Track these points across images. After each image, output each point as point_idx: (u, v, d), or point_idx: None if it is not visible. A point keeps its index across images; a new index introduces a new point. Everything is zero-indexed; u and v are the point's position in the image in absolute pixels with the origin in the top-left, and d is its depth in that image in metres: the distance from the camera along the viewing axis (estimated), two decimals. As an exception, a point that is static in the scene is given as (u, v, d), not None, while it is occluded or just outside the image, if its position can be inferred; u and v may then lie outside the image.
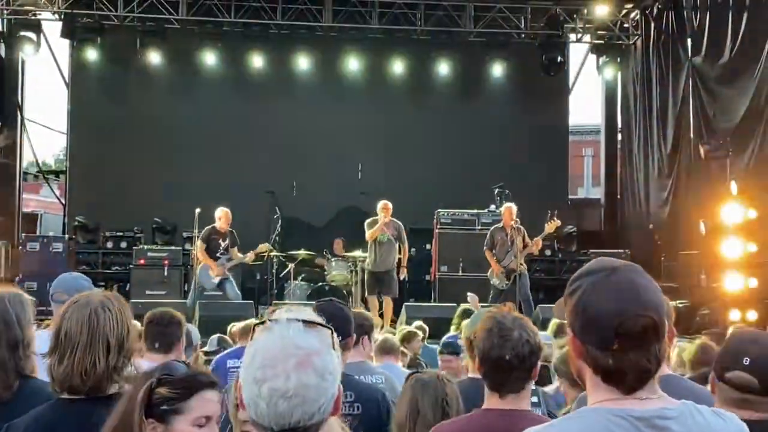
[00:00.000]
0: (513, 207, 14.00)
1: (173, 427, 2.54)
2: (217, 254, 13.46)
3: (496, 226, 14.14)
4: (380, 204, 14.05)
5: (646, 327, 1.99)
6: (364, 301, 14.27)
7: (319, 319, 1.90)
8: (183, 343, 4.93)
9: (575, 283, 2.10)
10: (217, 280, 13.51)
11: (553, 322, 7.71)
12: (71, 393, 2.96)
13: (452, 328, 8.15)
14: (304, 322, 1.86)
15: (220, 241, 13.47)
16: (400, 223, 14.37)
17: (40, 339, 3.46)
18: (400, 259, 14.30)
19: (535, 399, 3.92)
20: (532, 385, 3.29)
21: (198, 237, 13.89)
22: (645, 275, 2.09)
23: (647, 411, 1.99)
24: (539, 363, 3.27)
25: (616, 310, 1.99)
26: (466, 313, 7.09)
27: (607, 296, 2.01)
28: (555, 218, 14.28)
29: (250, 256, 13.71)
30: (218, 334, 8.81)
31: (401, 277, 14.35)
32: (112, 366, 2.97)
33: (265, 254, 14.38)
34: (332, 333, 1.89)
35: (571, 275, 2.16)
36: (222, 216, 13.55)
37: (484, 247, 13.91)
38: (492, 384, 3.24)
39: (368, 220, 14.25)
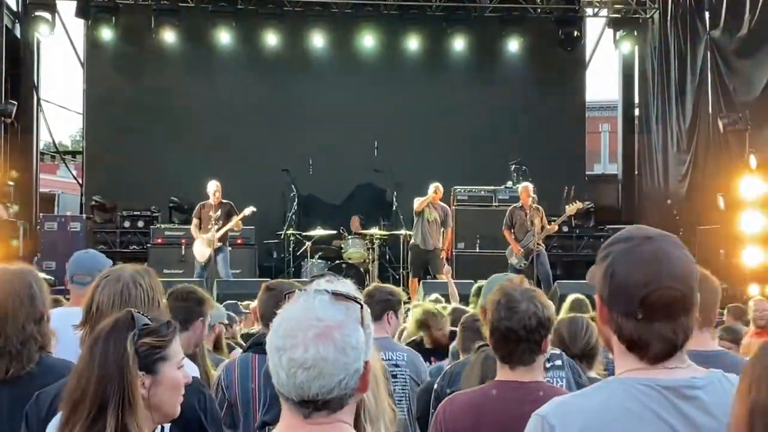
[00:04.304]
0: (530, 186, 13.95)
1: (161, 376, 2.51)
2: (209, 227, 13.45)
3: (514, 205, 14.07)
4: (433, 184, 14.14)
5: (674, 299, 1.97)
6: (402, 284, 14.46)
7: (353, 293, 1.87)
8: (203, 324, 4.48)
9: (607, 249, 2.07)
10: (207, 252, 13.50)
11: (570, 298, 7.67)
12: None
13: (470, 306, 8.13)
14: (334, 294, 1.83)
15: (211, 213, 13.46)
16: (448, 208, 14.50)
17: (53, 317, 3.50)
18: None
19: (559, 362, 3.92)
20: (543, 358, 3.27)
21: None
22: (680, 246, 2.07)
23: (676, 381, 1.97)
24: (549, 336, 3.24)
25: (645, 280, 1.97)
26: (481, 291, 7.05)
27: (636, 265, 2.00)
28: (576, 200, 14.22)
29: (236, 223, 13.63)
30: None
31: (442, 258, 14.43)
32: None
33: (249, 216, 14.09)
34: (362, 308, 1.85)
35: (589, 251, 2.15)
36: (212, 190, 13.59)
37: (503, 227, 13.87)
38: (501, 356, 3.24)
39: (417, 198, 14.31)
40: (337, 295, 1.83)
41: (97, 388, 2.38)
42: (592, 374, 4.35)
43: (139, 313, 2.55)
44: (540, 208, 13.82)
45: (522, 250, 13.61)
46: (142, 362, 2.45)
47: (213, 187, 13.60)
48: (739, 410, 1.59)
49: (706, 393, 1.96)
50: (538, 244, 13.57)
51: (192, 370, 3.88)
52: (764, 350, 1.66)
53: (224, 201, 13.66)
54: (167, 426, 2.91)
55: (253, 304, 8.85)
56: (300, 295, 1.85)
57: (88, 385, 2.39)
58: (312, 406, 1.79)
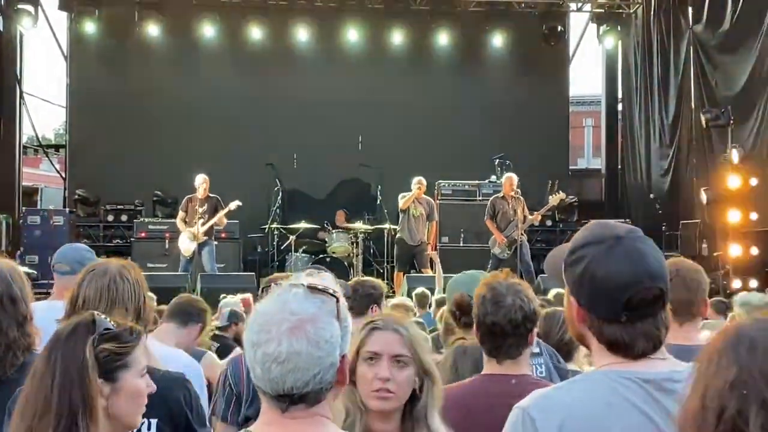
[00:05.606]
0: (513, 177, 13.98)
1: (121, 384, 2.35)
2: (195, 220, 13.39)
3: (496, 195, 14.12)
4: (415, 179, 14.13)
5: (655, 298, 1.99)
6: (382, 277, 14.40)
7: (329, 286, 1.86)
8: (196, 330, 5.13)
9: (579, 251, 2.07)
10: (193, 245, 13.45)
11: (552, 293, 7.68)
12: None
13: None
14: (309, 287, 1.83)
15: (197, 207, 13.41)
16: (432, 201, 14.55)
17: (37, 311, 3.35)
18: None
19: (537, 349, 3.91)
20: (529, 351, 3.28)
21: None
22: (648, 242, 2.08)
23: (657, 374, 1.99)
24: (535, 329, 3.25)
25: (625, 284, 1.98)
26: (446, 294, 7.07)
27: (615, 268, 2.00)
28: (559, 191, 14.25)
29: (220, 218, 13.56)
30: (230, 308, 8.57)
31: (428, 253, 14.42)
32: None
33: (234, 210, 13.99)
34: (338, 301, 1.85)
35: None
36: (199, 183, 13.53)
37: (485, 217, 13.90)
38: (488, 350, 3.23)
39: (401, 194, 14.30)
40: (312, 289, 1.83)
41: (61, 395, 2.24)
42: (573, 367, 4.37)
43: (102, 316, 2.40)
44: (521, 198, 13.86)
45: (505, 239, 13.64)
46: (102, 369, 2.29)
47: (200, 180, 13.53)
48: (691, 400, 1.58)
49: (686, 386, 1.97)
50: (521, 234, 13.61)
51: (175, 360, 3.86)
52: (720, 339, 1.65)
53: (211, 195, 13.60)
54: (153, 422, 2.90)
55: (235, 298, 8.86)
56: (275, 289, 1.85)
57: (51, 394, 2.24)
58: (288, 400, 1.80)
